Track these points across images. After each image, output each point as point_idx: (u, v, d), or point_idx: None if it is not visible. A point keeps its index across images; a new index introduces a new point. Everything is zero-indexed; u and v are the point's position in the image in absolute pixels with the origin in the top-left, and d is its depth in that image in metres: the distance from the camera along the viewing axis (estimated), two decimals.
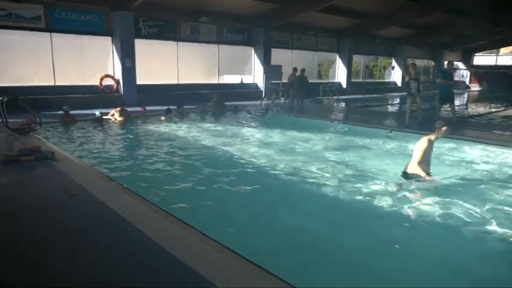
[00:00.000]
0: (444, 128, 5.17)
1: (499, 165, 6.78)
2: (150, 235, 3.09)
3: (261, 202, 4.87)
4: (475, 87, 32.91)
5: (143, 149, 7.69)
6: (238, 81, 18.99)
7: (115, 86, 14.33)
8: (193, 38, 16.73)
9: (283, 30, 19.43)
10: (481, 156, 7.46)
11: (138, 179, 5.53)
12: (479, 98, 25.57)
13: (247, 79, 19.25)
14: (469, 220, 4.25)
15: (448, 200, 4.78)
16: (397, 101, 20.63)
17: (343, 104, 17.68)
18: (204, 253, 2.80)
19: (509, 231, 3.98)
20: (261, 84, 18.57)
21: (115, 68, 14.42)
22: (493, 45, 31.98)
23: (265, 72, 17.62)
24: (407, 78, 10.59)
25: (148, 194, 4.48)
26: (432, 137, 5.25)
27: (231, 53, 18.50)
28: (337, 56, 23.33)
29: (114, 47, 14.25)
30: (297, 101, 14.76)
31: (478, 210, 4.48)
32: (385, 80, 28.14)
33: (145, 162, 6.57)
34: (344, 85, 23.02)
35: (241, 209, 4.62)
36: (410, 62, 15.47)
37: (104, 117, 10.41)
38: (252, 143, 8.72)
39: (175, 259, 2.71)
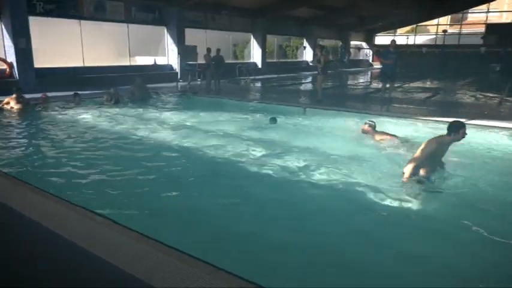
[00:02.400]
0: (462, 131, 4.38)
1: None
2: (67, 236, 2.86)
3: (185, 188, 4.76)
4: (377, 65, 35.79)
5: (47, 139, 6.98)
6: (152, 63, 18.14)
7: (8, 70, 12.71)
8: (98, 16, 15.45)
9: (196, 10, 18.92)
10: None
11: (45, 174, 5.03)
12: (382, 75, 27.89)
13: (160, 60, 18.48)
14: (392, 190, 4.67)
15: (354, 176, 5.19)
16: (309, 79, 21.60)
17: (259, 84, 17.99)
18: (138, 253, 2.67)
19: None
20: (175, 65, 17.99)
21: (6, 49, 12.76)
22: (391, 27, 34.92)
23: (179, 53, 17.09)
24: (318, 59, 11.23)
25: (60, 189, 4.11)
26: (446, 140, 4.48)
27: (143, 33, 17.54)
28: (252, 36, 23.50)
29: (3, 26, 12.56)
30: (214, 82, 14.63)
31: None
32: (298, 60, 29.20)
33: (49, 154, 5.98)
34: (259, 65, 23.38)
35: (164, 198, 4.46)
36: (319, 43, 16.15)
37: None
38: (171, 127, 8.38)
39: (100, 260, 2.55)
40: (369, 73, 29.56)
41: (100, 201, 4.12)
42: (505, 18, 32.46)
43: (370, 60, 36.93)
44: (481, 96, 14.73)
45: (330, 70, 27.25)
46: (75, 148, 6.33)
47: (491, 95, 14.47)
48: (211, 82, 14.61)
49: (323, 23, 27.80)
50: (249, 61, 23.17)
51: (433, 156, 4.50)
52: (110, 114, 9.39)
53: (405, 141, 6.53)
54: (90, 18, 15.17)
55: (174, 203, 4.27)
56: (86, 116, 9.18)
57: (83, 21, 15.06)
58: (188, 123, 8.67)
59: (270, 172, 5.27)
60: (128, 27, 16.74)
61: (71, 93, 10.52)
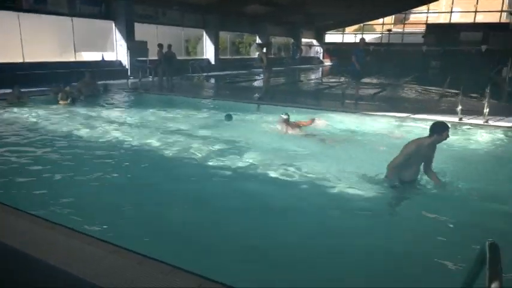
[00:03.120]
0: (446, 133, 4.26)
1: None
2: None
3: (137, 188, 4.64)
4: (327, 62, 36.85)
5: None
6: (99, 59, 17.35)
7: None
8: (39, 8, 14.48)
9: (146, 4, 18.35)
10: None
11: None
12: (331, 72, 28.77)
13: (109, 56, 17.73)
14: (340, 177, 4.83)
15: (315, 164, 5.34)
16: (262, 76, 21.75)
17: (213, 81, 17.86)
18: (92, 257, 2.55)
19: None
20: (125, 61, 17.35)
21: None
22: (340, 25, 36.09)
23: (129, 48, 16.50)
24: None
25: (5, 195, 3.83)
26: (426, 141, 4.33)
27: (89, 27, 16.69)
28: (204, 33, 23.24)
29: None
30: (167, 79, 14.30)
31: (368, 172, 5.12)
32: (251, 56, 29.32)
33: None
34: (213, 61, 23.20)
35: (116, 198, 4.31)
36: (257, 42, 16.24)
37: None
38: (123, 126, 8.10)
39: (52, 267, 2.41)
40: (320, 70, 30.38)
41: (51, 206, 3.91)
42: (442, 19, 34.63)
43: (321, 58, 37.92)
44: (423, 91, 15.68)
45: (284, 67, 27.87)
46: (24, 152, 5.94)
47: (433, 90, 15.46)
48: (163, 79, 14.27)
49: (275, 20, 28.11)
50: (202, 57, 22.91)
51: (413, 158, 4.33)
52: (70, 115, 8.87)
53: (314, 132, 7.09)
54: (29, 10, 14.19)
55: (126, 203, 4.13)
56: (37, 118, 8.59)
57: (21, 14, 14.06)
58: (141, 122, 8.42)
59: (225, 170, 5.28)
60: (72, 20, 15.86)
61: (9, 90, 9.82)
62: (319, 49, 38.19)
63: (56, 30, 15.84)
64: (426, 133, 4.36)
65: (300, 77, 23.65)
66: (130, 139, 6.83)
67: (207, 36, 23.27)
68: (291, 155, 5.91)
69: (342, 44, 37.41)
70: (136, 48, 16.38)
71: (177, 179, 4.93)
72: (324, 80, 21.06)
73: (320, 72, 28.20)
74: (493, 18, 30.85)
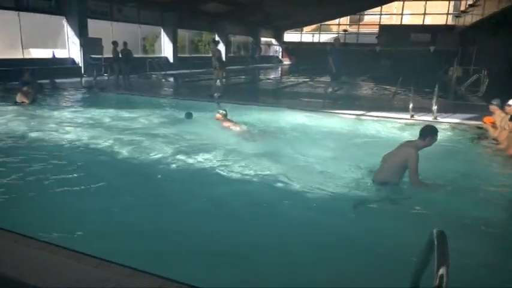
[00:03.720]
0: (437, 136, 4.31)
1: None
2: None
3: (95, 191, 4.47)
4: (286, 61, 37.36)
5: None
6: (50, 56, 16.50)
7: None
8: None
9: (100, 0, 17.67)
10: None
11: None
12: (290, 71, 29.21)
13: (60, 53, 16.90)
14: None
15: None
16: (223, 75, 21.66)
17: (171, 79, 17.55)
18: (49, 263, 2.42)
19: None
20: (78, 59, 16.64)
21: None
22: (298, 25, 36.70)
23: (82, 45, 15.84)
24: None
25: None
26: (420, 144, 4.33)
27: (38, 23, 15.82)
28: (162, 30, 22.78)
29: None
30: (123, 77, 13.89)
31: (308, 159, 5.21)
32: (210, 55, 29.07)
33: None
34: (171, 60, 22.79)
35: (73, 202, 4.15)
36: (213, 38, 16.19)
37: None
38: (78, 127, 7.70)
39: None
40: (280, 69, 30.73)
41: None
42: (395, 21, 36.18)
43: (280, 57, 38.38)
44: (377, 90, 16.32)
45: (243, 65, 27.92)
46: None
47: (387, 88, 16.12)
48: (119, 77, 13.84)
49: (234, 18, 28.09)
50: (160, 56, 22.43)
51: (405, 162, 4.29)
52: (25, 116, 8.33)
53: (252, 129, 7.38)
54: None
55: (81, 206, 3.99)
56: None
57: None
58: (97, 122, 8.10)
59: (185, 169, 5.23)
60: (18, 15, 14.96)
61: None
62: (278, 48, 38.63)
63: (1, 25, 14.88)
64: (382, 129, 4.55)
65: (259, 75, 23.82)
66: (85, 140, 6.56)
67: (165, 34, 22.82)
68: (246, 152, 5.95)
69: (300, 43, 38.11)
70: (90, 45, 15.76)
71: (136, 180, 4.82)
72: (283, 79, 21.32)
73: (279, 71, 28.52)
74: (440, 20, 32.67)
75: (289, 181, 4.78)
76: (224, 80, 11.95)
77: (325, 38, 38.05)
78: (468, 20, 23.55)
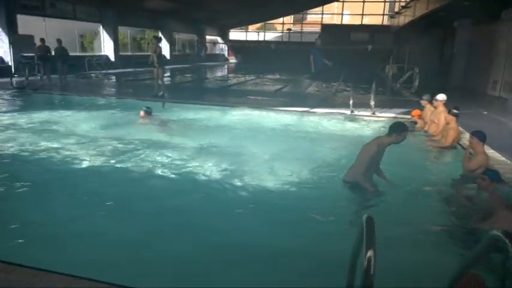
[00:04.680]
0: (405, 133, 4.28)
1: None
2: None
3: (32, 198, 4.18)
4: (233, 59, 37.39)
5: None
6: None
7: None
8: None
9: None
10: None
11: None
12: (237, 69, 29.28)
13: None
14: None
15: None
16: (167, 73, 21.22)
17: (113, 79, 16.86)
18: None
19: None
20: (7, 57, 15.39)
21: None
22: (243, 23, 36.86)
23: (11, 43, 14.68)
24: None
25: None
26: (385, 140, 4.31)
27: None
28: (101, 27, 21.75)
29: None
30: (59, 77, 13.09)
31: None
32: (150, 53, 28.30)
33: None
34: (112, 58, 21.85)
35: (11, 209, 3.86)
36: (154, 35, 15.81)
37: None
38: (10, 130, 7.14)
39: None
40: (226, 67, 30.68)
41: None
42: (335, 20, 37.55)
43: (226, 55, 38.32)
44: (321, 86, 16.84)
45: (189, 64, 27.49)
46: None
47: (329, 85, 16.70)
48: (49, 77, 12.99)
49: (178, 16, 27.56)
50: (99, 54, 21.40)
51: (375, 159, 4.31)
52: None
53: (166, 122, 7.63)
54: None
55: (14, 215, 3.72)
56: None
57: None
58: (29, 126, 7.55)
59: (132, 170, 5.07)
60: None
61: None
62: (224, 46, 38.54)
63: None
64: (325, 124, 4.71)
65: (205, 74, 23.64)
66: (17, 145, 6.12)
67: (104, 31, 21.81)
68: (182, 150, 5.94)
69: (246, 41, 38.30)
70: (20, 43, 14.64)
71: (72, 183, 4.59)
72: (229, 77, 21.31)
73: (226, 69, 28.48)
74: (377, 20, 34.46)
75: (230, 177, 4.82)
76: (165, 78, 11.60)
77: (270, 36, 38.59)
78: (401, 20, 25.11)
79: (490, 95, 13.89)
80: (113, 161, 5.35)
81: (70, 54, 14.17)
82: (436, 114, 7.17)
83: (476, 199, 4.09)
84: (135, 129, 7.25)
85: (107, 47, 21.99)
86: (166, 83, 16.54)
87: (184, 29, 30.97)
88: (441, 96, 7.19)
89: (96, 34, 22.12)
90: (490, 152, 5.60)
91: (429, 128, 7.34)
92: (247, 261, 3.02)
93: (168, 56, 27.31)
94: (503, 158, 5.43)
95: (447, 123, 6.48)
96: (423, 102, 7.82)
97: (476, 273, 1.88)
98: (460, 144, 6.44)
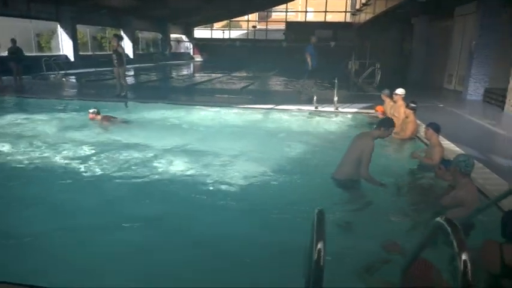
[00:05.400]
0: (392, 129, 4.34)
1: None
2: None
3: None
4: (198, 58, 37.00)
5: None
6: None
7: None
8: None
9: None
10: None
11: None
12: (202, 67, 29.02)
13: None
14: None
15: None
16: (131, 73, 20.72)
17: (73, 79, 16.25)
18: None
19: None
20: None
21: None
22: (208, 21, 36.51)
23: None
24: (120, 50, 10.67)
25: None
26: (375, 133, 4.31)
27: None
28: (59, 26, 20.89)
29: None
30: (14, 78, 12.48)
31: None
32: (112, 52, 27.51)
33: None
34: (72, 58, 21.05)
35: None
36: (113, 33, 15.41)
37: None
38: None
39: None
40: (192, 65, 30.33)
41: None
42: (300, 18, 37.98)
43: (191, 53, 37.88)
44: (286, 83, 17.03)
45: (154, 63, 26.93)
46: None
47: (294, 82, 16.89)
48: (21, 78, 12.37)
49: (140, 14, 26.91)
50: (58, 54, 20.55)
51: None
52: None
53: (125, 122, 7.74)
54: None
55: None
56: None
57: None
58: None
59: (93, 173, 4.93)
60: None
61: None
62: (189, 45, 38.08)
63: None
64: (291, 120, 4.76)
65: (170, 73, 23.27)
66: None
67: (62, 30, 20.96)
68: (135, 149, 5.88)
69: (211, 39, 38.02)
70: None
71: (33, 188, 4.40)
72: (195, 76, 21.10)
73: (191, 68, 28.16)
74: (340, 18, 35.16)
75: (195, 175, 4.81)
76: (129, 78, 11.31)
77: (235, 34, 38.50)
78: (363, 17, 25.75)
79: (446, 88, 14.55)
80: (71, 165, 5.17)
81: (26, 54, 13.53)
82: (396, 108, 7.42)
83: (434, 186, 4.30)
84: (95, 132, 7.05)
85: (65, 46, 21.16)
86: (130, 82, 16.17)
87: (148, 27, 30.32)
88: (400, 91, 7.44)
89: (54, 33, 21.23)
90: (446, 143, 5.86)
91: None
92: (215, 256, 3.06)
93: (131, 55, 26.66)
94: (458, 148, 5.69)
95: (406, 117, 6.73)
96: (383, 97, 8.07)
97: (426, 258, 2.00)
98: (417, 137, 6.71)
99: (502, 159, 5.42)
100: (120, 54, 10.47)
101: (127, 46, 27.17)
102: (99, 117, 7.52)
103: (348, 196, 4.23)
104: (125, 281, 2.73)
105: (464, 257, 1.21)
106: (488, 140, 7.03)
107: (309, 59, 11.59)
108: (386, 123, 4.31)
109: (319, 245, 1.24)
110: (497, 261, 2.50)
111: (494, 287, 2.50)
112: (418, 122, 6.99)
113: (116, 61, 10.39)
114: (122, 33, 26.96)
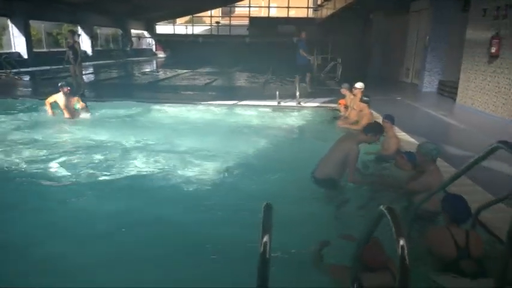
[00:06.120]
0: (379, 135, 4.26)
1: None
2: None
3: None
4: (161, 54, 36.29)
5: None
6: None
7: None
8: None
9: None
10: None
11: None
12: (165, 64, 28.48)
13: None
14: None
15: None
16: (90, 70, 20.03)
17: (27, 78, 15.50)
18: None
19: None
20: None
21: None
22: (170, 16, 35.83)
23: None
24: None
25: None
26: (362, 138, 4.18)
27: None
28: (9, 21, 19.78)
29: None
30: None
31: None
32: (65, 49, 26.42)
33: None
34: (25, 55, 20.02)
35: None
36: (69, 29, 14.89)
37: None
38: None
39: None
40: (154, 62, 29.71)
41: None
42: (263, 13, 38.07)
43: (154, 50, 37.09)
44: (250, 79, 17.06)
45: (114, 59, 26.10)
46: None
47: (258, 78, 16.96)
48: None
49: (99, 9, 25.98)
50: (9, 51, 19.49)
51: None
52: None
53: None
54: None
55: None
56: None
57: None
58: None
59: (47, 172, 4.75)
60: None
61: None
62: (151, 41, 37.25)
63: None
64: (254, 116, 4.76)
65: (132, 69, 22.70)
66: None
67: (14, 26, 19.87)
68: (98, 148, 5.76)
69: (174, 35, 37.37)
70: None
71: None
72: (158, 72, 20.68)
73: (154, 65, 27.59)
74: (303, 13, 35.57)
75: (154, 173, 4.75)
76: (88, 75, 10.93)
77: (198, 30, 38.05)
78: (324, 13, 26.21)
79: (403, 81, 15.11)
80: (25, 166, 4.96)
81: None
82: (356, 101, 7.62)
83: (395, 175, 4.47)
84: (49, 132, 6.79)
85: (17, 43, 20.08)
86: (88, 80, 15.61)
87: (107, 23, 29.36)
88: (359, 85, 7.66)
89: (5, 29, 20.09)
90: (402, 134, 6.10)
91: (349, 114, 7.78)
92: (176, 254, 3.05)
93: (89, 52, 25.75)
94: (412, 139, 5.94)
95: (360, 110, 6.94)
96: (343, 91, 8.27)
97: (376, 242, 2.14)
98: None
99: (452, 147, 5.72)
100: (77, 50, 10.07)
101: (85, 42, 26.22)
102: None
103: (323, 193, 4.23)
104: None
105: (401, 242, 1.27)
106: (440, 130, 7.39)
107: (304, 54, 11.64)
108: (375, 129, 4.18)
109: (265, 238, 1.26)
110: (452, 245, 2.63)
111: (455, 272, 2.58)
112: (377, 114, 7.22)
113: (72, 58, 9.98)
114: (79, 29, 25.98)
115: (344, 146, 4.10)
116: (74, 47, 10.16)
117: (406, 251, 1.26)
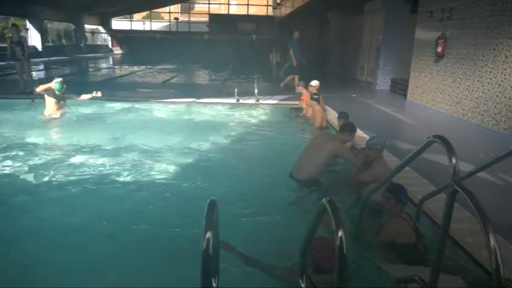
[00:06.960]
0: (354, 134, 4.37)
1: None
2: None
3: None
4: (118, 50, 35.15)
5: None
6: None
7: None
8: None
9: None
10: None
11: None
12: (122, 60, 27.64)
13: None
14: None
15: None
16: (41, 67, 19.04)
17: None
18: None
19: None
20: None
21: None
22: (126, 11, 34.72)
23: None
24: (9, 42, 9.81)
25: None
26: (342, 138, 4.27)
27: None
28: None
29: None
30: None
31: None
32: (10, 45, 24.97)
33: None
34: None
35: None
36: (12, 24, 14.13)
37: None
38: None
39: None
40: (110, 58, 28.74)
41: None
42: (223, 10, 37.88)
43: (110, 46, 35.85)
44: (210, 77, 16.96)
45: (67, 56, 24.94)
46: None
47: (217, 75, 16.88)
48: None
49: (49, 2, 24.66)
50: None
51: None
52: None
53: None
54: None
55: None
56: None
57: None
58: None
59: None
60: None
61: None
62: (107, 37, 35.97)
63: None
64: (212, 113, 4.71)
65: (85, 66, 21.83)
66: None
67: None
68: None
69: (131, 31, 36.33)
70: None
71: None
72: (114, 69, 20.04)
73: (110, 61, 26.68)
74: (262, 11, 35.76)
75: (110, 172, 4.62)
76: (37, 72, 10.39)
77: (157, 26, 37.22)
78: (283, 11, 26.49)
79: (359, 79, 15.62)
80: None
81: None
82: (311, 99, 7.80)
83: (346, 168, 4.62)
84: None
85: None
86: (37, 77, 14.83)
87: (58, 17, 27.98)
88: (315, 83, 7.84)
89: None
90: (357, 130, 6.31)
91: (307, 112, 7.95)
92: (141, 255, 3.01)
93: (39, 48, 24.43)
94: (365, 135, 6.16)
95: (311, 107, 7.11)
96: (300, 89, 8.42)
97: (322, 237, 2.22)
98: (330, 124, 7.13)
99: (400, 142, 6.01)
100: (23, 46, 9.53)
101: (34, 37, 24.84)
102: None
103: (288, 192, 4.19)
104: None
105: (340, 233, 1.32)
106: (390, 125, 7.73)
107: (292, 55, 11.46)
108: (347, 128, 4.30)
109: (208, 235, 1.27)
110: (411, 231, 2.83)
111: (415, 254, 2.78)
112: (333, 111, 7.42)
113: (20, 54, 9.40)
114: (28, 23, 24.57)
115: (329, 147, 4.06)
116: (22, 42, 9.58)
117: (344, 243, 1.31)
